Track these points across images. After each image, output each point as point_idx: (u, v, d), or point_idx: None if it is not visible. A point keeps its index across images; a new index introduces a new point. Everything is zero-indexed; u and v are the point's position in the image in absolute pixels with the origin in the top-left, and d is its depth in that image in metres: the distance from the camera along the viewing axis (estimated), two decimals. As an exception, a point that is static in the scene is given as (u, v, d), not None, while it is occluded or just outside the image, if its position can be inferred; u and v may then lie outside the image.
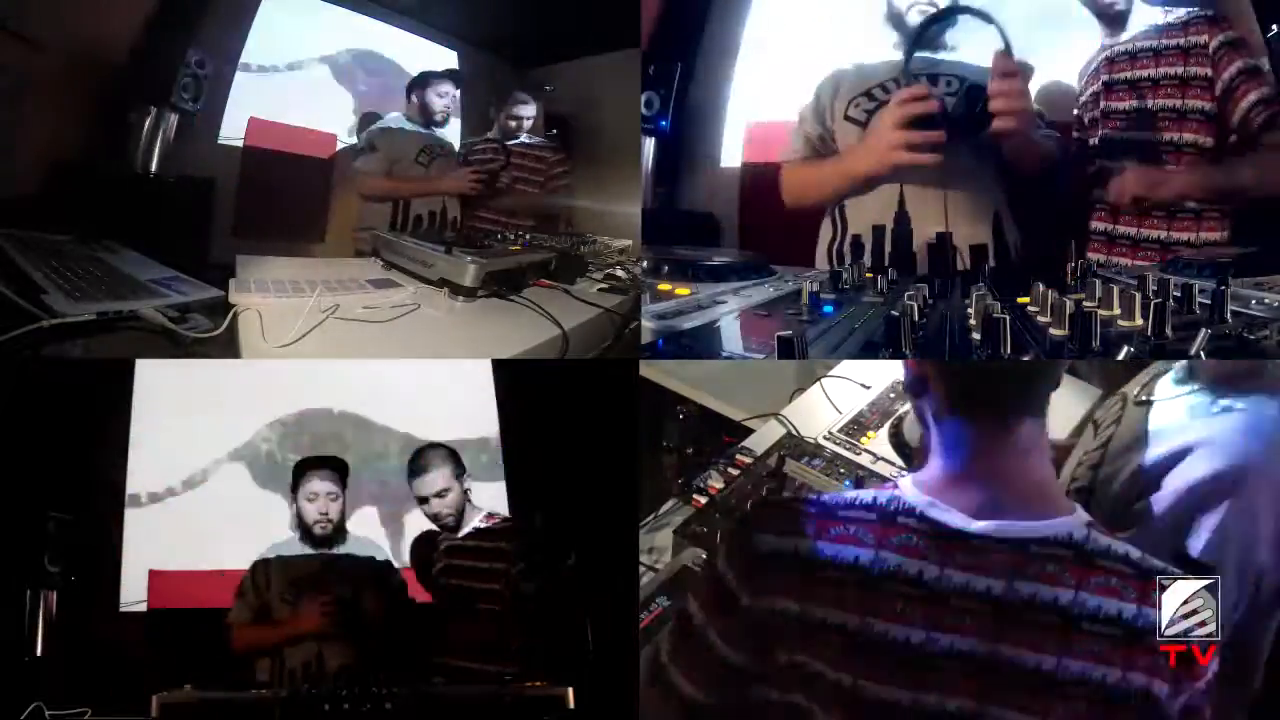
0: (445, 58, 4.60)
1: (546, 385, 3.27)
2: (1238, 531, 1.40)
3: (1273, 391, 1.46)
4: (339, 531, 2.47)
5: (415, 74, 3.96)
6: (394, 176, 3.72)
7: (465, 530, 2.37)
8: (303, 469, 2.51)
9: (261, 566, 2.42)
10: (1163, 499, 1.48)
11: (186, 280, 2.30)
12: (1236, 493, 1.40)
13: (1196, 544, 1.42)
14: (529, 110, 4.04)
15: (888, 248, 2.73)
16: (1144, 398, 1.62)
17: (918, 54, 2.70)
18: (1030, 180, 2.75)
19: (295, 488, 2.48)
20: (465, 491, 2.39)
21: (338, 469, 2.52)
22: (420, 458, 2.38)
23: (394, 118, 3.86)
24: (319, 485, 2.45)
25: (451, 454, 2.41)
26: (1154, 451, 1.52)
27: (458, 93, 3.92)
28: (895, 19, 2.79)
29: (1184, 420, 1.52)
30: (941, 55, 2.79)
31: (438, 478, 2.33)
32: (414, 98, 3.81)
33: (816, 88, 2.94)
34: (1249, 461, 1.41)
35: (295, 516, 2.47)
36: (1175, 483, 1.47)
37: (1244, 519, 1.40)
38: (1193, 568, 1.36)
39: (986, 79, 2.44)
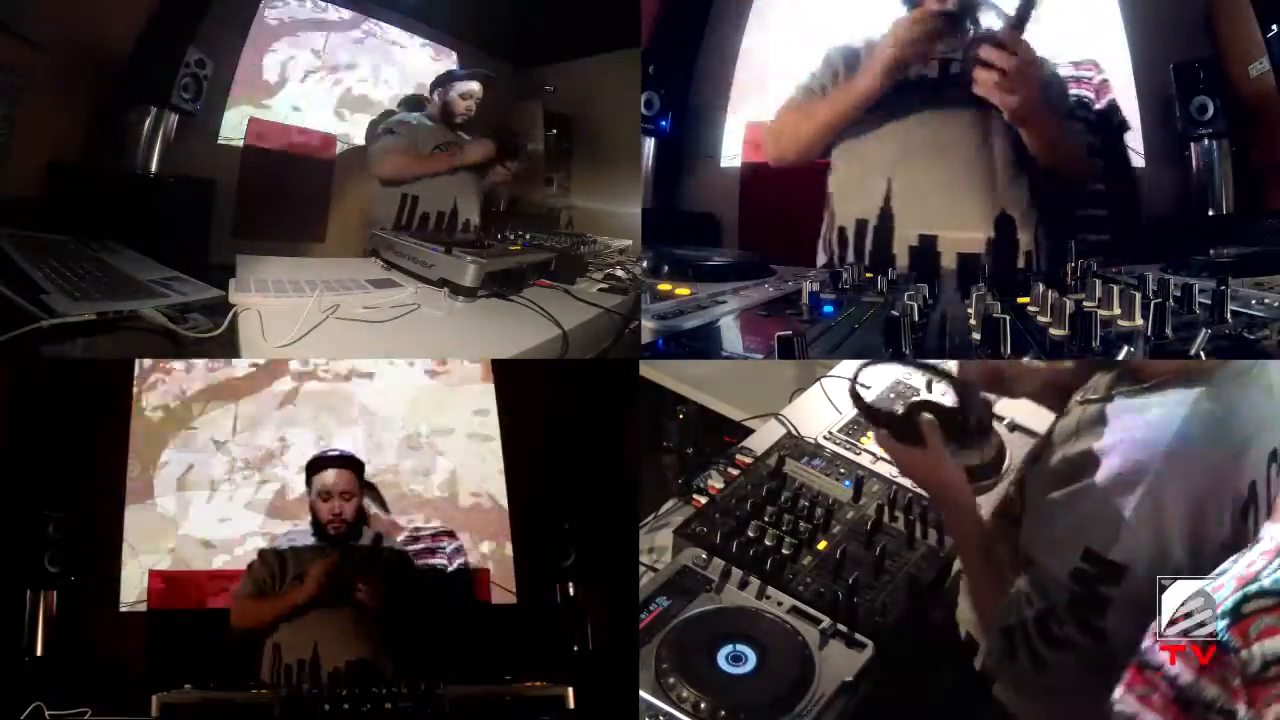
0: (445, 58, 4.60)
1: (546, 385, 3.28)
2: (1146, 528, 1.32)
3: (1189, 385, 1.37)
4: (355, 529, 2.47)
5: (441, 72, 3.81)
6: (416, 155, 3.51)
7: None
8: (316, 466, 2.49)
9: (273, 554, 2.44)
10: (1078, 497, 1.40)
11: (186, 280, 2.29)
12: (1143, 488, 1.33)
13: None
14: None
15: (868, 245, 2.58)
16: (1086, 397, 1.53)
17: None
18: (1065, 183, 2.61)
19: (309, 485, 2.48)
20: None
21: (353, 467, 2.51)
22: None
23: (414, 115, 3.70)
24: (333, 484, 2.45)
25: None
26: (1075, 447, 1.44)
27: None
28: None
29: (1106, 420, 1.44)
30: None
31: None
32: (436, 96, 3.65)
33: (827, 53, 2.70)
34: (1154, 459, 1.33)
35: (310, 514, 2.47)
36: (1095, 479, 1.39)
37: (1152, 515, 1.32)
38: (1105, 567, 1.32)
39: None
